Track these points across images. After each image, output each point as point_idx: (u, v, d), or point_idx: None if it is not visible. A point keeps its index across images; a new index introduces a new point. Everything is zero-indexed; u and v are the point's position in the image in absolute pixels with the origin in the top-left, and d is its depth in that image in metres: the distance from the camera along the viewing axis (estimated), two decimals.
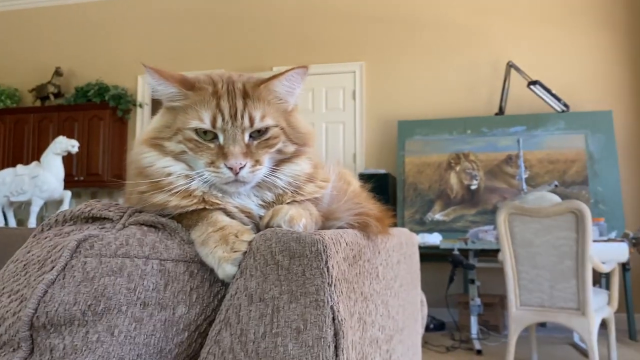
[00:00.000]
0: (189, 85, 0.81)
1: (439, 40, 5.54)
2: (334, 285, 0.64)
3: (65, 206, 3.79)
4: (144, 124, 6.26)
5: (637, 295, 4.58)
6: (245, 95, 0.81)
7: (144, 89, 6.29)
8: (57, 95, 6.37)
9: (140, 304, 0.64)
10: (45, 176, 3.74)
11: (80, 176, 6.10)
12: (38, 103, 6.44)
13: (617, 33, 5.15)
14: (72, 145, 3.83)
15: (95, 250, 0.64)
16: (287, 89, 0.84)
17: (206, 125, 0.78)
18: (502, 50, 5.36)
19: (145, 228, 0.71)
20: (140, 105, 6.26)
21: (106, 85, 6.16)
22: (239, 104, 0.79)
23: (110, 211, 0.73)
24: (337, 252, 0.68)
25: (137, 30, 6.39)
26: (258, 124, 0.80)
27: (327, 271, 0.64)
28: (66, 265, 0.63)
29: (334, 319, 0.63)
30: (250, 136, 0.80)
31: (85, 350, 0.61)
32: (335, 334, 0.62)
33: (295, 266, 0.64)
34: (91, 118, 6.16)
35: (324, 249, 0.64)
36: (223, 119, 0.78)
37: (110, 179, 5.93)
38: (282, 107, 0.85)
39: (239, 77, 0.84)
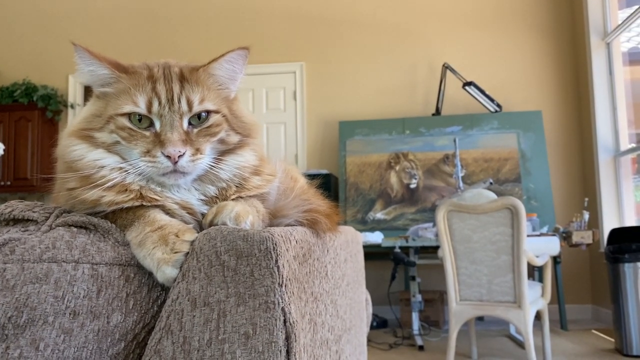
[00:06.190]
0: (121, 68, 0.75)
1: (378, 41, 5.60)
2: (285, 286, 0.60)
3: None
4: None
5: (568, 287, 4.80)
6: (183, 79, 0.76)
7: (75, 88, 6.00)
8: None
9: (70, 314, 0.57)
10: None
11: (7, 181, 5.74)
12: None
13: (545, 37, 5.39)
14: None
15: (17, 256, 0.58)
16: (227, 72, 0.80)
17: (141, 109, 0.73)
18: (438, 52, 5.49)
19: (75, 229, 0.65)
20: (72, 106, 5.96)
21: (34, 84, 5.83)
22: (176, 87, 0.74)
23: (34, 212, 0.66)
24: (287, 250, 0.64)
25: (68, 26, 6.08)
26: (197, 108, 0.75)
27: (277, 271, 0.60)
28: None
29: (285, 322, 0.59)
30: (190, 123, 0.75)
31: None
32: (287, 338, 0.58)
33: (242, 266, 0.60)
34: (18, 119, 5.81)
35: (273, 247, 0.60)
36: (159, 103, 0.73)
37: (40, 180, 5.62)
38: (224, 94, 0.80)
39: (176, 63, 0.79)
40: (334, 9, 5.69)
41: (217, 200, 0.77)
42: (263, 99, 5.75)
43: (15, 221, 0.66)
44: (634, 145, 4.72)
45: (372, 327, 4.57)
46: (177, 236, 0.66)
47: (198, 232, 0.67)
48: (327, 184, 4.93)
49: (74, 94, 6.00)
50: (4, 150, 3.67)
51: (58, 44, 6.03)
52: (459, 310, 3.13)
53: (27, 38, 6.13)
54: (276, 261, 0.60)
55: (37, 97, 5.72)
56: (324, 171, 5.14)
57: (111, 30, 6.00)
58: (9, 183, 5.74)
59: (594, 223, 4.67)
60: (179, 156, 0.71)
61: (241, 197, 0.78)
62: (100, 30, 6.01)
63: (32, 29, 6.14)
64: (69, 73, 5.95)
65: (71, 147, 0.74)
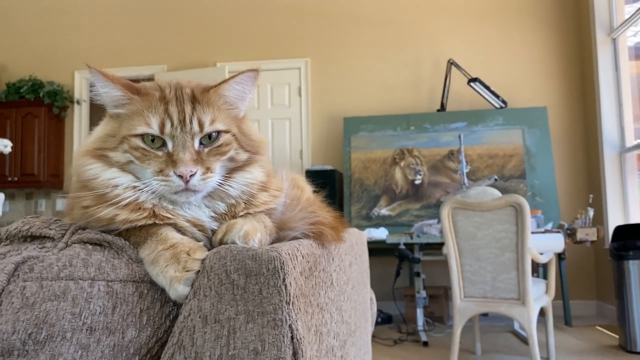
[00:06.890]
0: (134, 90, 0.77)
1: (383, 37, 5.60)
2: (292, 303, 0.63)
3: None
4: (82, 121, 6.00)
5: (572, 284, 4.81)
6: (194, 100, 0.78)
7: (81, 85, 6.03)
8: None
9: (87, 330, 0.60)
10: None
11: (14, 177, 5.79)
12: None
13: (550, 32, 5.37)
14: (4, 145, 3.61)
15: (36, 274, 0.60)
16: (237, 93, 0.82)
17: (154, 130, 0.75)
18: (443, 48, 5.48)
19: (90, 247, 0.67)
20: (78, 102, 6.00)
21: (40, 81, 5.86)
22: (188, 108, 0.77)
23: (50, 229, 0.69)
24: (294, 267, 0.66)
25: (73, 22, 6.10)
26: (208, 128, 0.77)
27: (285, 289, 0.62)
28: (3, 291, 0.58)
29: (292, 338, 0.61)
30: (201, 143, 0.78)
31: None
32: (294, 354, 0.61)
33: (251, 285, 0.63)
34: (25, 116, 5.85)
35: (281, 266, 0.63)
36: (172, 124, 0.75)
37: (47, 177, 5.68)
38: (233, 114, 0.83)
39: (187, 83, 0.82)
40: (338, 5, 5.68)
41: (227, 217, 0.79)
42: (268, 95, 5.76)
43: (32, 238, 0.68)
44: (639, 141, 4.71)
45: (376, 323, 4.58)
46: (188, 254, 0.68)
47: (209, 249, 0.70)
48: (332, 180, 4.95)
49: (80, 90, 6.03)
50: (12, 147, 3.69)
51: (64, 40, 6.05)
52: (463, 307, 3.15)
53: (33, 34, 6.16)
54: (283, 280, 0.63)
55: (44, 93, 5.75)
56: (329, 167, 5.15)
57: (117, 25, 6.01)
58: (16, 179, 5.80)
59: (599, 220, 4.67)
60: (191, 175, 0.74)
61: (249, 213, 0.80)
62: (107, 25, 6.03)
63: (38, 25, 6.16)
64: (75, 69, 5.98)
65: (86, 166, 0.76)
